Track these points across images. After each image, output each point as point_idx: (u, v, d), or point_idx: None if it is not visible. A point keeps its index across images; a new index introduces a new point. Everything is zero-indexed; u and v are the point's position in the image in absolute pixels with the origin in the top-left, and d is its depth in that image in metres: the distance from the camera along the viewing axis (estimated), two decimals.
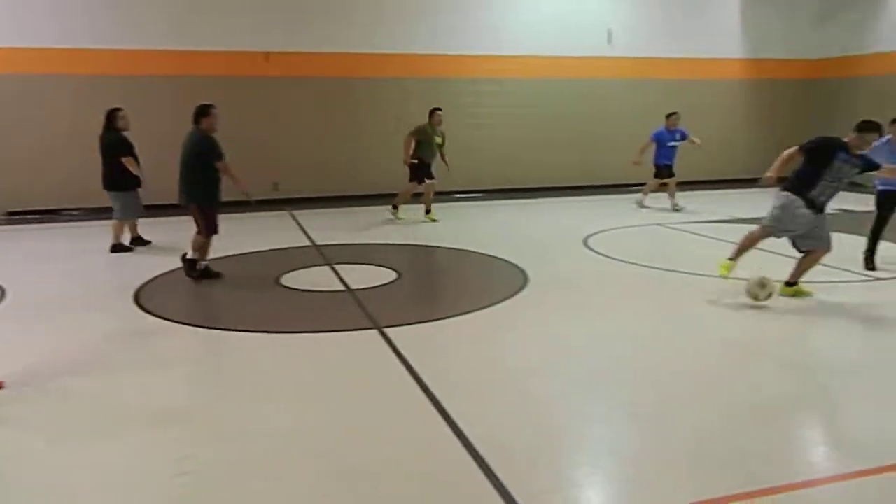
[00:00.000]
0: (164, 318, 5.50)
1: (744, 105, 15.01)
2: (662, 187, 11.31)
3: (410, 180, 10.19)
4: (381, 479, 3.06)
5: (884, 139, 6.70)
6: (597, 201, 12.40)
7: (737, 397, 3.93)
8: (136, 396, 4.01)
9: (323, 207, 11.57)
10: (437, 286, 6.85)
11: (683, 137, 11.18)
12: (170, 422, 3.65)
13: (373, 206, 11.69)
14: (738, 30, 14.68)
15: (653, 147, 11.21)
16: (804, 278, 5.93)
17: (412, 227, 9.88)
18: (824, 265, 6.25)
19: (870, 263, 6.88)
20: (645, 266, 7.14)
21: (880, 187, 6.97)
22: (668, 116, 11.22)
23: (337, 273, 6.94)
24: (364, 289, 6.32)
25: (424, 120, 10.18)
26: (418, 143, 9.97)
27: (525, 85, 13.35)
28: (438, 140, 10.17)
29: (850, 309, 5.72)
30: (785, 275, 5.93)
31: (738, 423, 3.58)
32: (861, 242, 7.07)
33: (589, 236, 8.74)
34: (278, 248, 8.28)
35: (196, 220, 6.56)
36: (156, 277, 6.82)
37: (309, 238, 8.91)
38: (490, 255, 7.74)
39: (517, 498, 2.84)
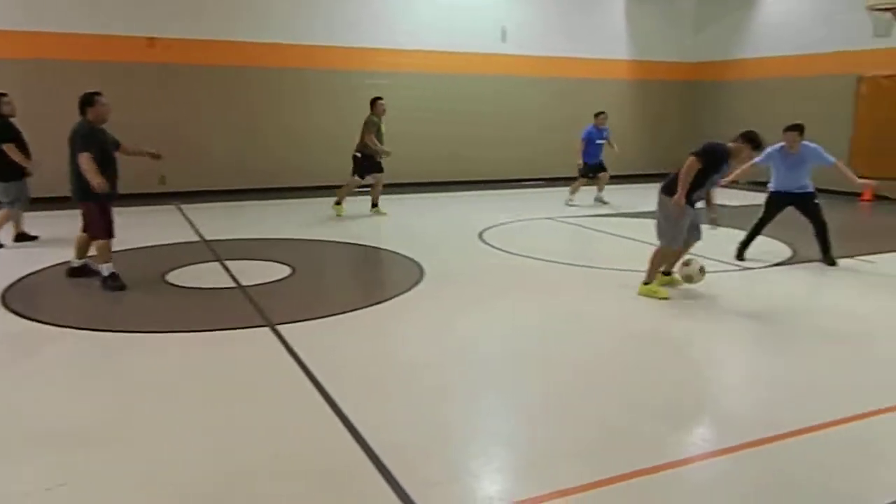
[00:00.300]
0: (37, 321, 5.11)
1: (632, 104, 15.70)
2: (592, 181, 11.52)
3: (354, 174, 9.90)
4: (271, 478, 2.97)
5: (777, 146, 7.19)
6: (490, 196, 12.62)
7: (625, 384, 4.10)
8: (7, 407, 3.71)
9: (215, 202, 11.14)
10: (333, 281, 6.75)
11: (606, 138, 11.46)
12: (46, 431, 3.39)
13: (270, 200, 11.40)
14: (624, 32, 15.34)
15: (583, 146, 11.35)
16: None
17: (308, 221, 9.69)
18: (702, 256, 6.64)
19: (741, 255, 7.36)
20: (536, 259, 7.34)
21: (773, 189, 7.40)
22: (596, 115, 11.43)
23: (227, 269, 6.70)
24: (256, 285, 6.13)
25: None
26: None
27: (421, 79, 13.38)
28: (383, 129, 9.94)
29: (729, 297, 6.08)
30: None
31: (627, 409, 3.73)
32: (731, 235, 7.56)
33: (484, 230, 8.88)
34: (164, 244, 7.89)
35: (84, 219, 6.04)
36: (25, 276, 6.33)
37: (198, 233, 8.55)
38: (386, 250, 7.72)
39: (410, 492, 2.84)
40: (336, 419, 3.51)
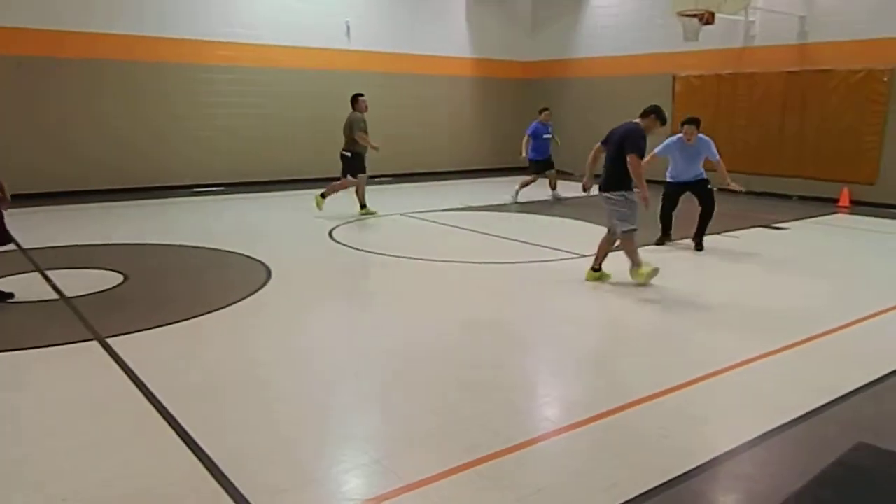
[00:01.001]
0: None
1: (471, 100, 16.20)
2: (543, 177, 11.58)
3: (346, 174, 9.62)
4: None
5: (675, 138, 7.72)
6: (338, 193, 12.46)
7: (467, 372, 4.21)
8: None
9: (34, 206, 10.11)
10: (171, 287, 6.32)
11: (551, 133, 11.57)
12: None
13: (97, 203, 10.55)
14: (465, 31, 15.77)
15: (530, 142, 11.38)
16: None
17: (144, 224, 9.07)
18: (548, 247, 6.99)
19: (666, 240, 8.02)
20: (386, 255, 7.37)
21: (671, 178, 8.01)
22: (541, 111, 11.50)
23: (49, 280, 6.12)
24: (83, 296, 5.66)
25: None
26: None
27: (263, 74, 12.97)
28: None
29: (563, 282, 6.44)
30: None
31: (470, 397, 3.84)
32: (573, 226, 8.02)
33: (333, 228, 8.78)
34: None
35: None
36: None
37: (14, 241, 7.70)
38: (229, 251, 7.40)
39: (255, 503, 2.75)
40: (173, 434, 3.32)
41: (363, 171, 9.79)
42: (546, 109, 11.71)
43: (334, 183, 9.87)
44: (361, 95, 9.74)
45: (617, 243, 6.31)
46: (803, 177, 12.21)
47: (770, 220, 9.81)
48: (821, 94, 11.87)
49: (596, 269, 6.37)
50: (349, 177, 9.75)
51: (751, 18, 12.49)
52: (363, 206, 9.94)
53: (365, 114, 9.69)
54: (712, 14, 11.34)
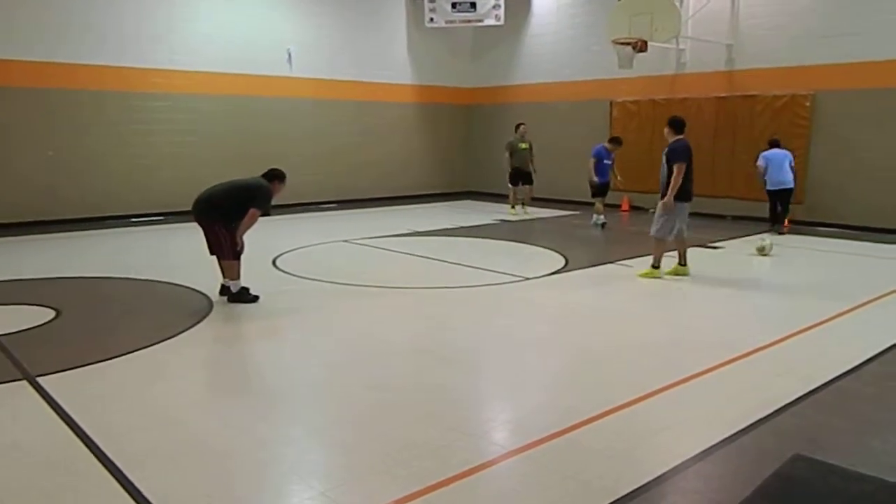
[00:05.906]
0: None
1: (416, 126, 16.31)
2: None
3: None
4: None
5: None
6: (282, 221, 12.31)
7: (417, 398, 4.19)
8: None
9: None
10: (108, 322, 6.07)
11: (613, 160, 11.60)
12: None
13: (30, 235, 10.12)
14: (407, 58, 15.91)
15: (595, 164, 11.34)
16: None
17: (79, 257, 8.75)
18: (494, 271, 7.01)
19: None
20: (330, 282, 7.30)
21: (769, 188, 10.69)
22: (610, 140, 11.54)
23: None
24: (11, 333, 5.40)
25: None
26: None
27: (205, 101, 12.79)
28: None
29: (511, 306, 6.50)
30: None
31: (419, 422, 3.81)
32: (518, 249, 8.10)
33: (277, 256, 8.65)
34: None
35: None
36: None
37: None
38: (171, 283, 7.20)
39: None
40: (110, 477, 3.17)
41: (513, 183, 13.17)
42: (614, 142, 11.56)
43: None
44: (522, 124, 13.05)
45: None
46: (735, 197, 12.68)
47: (705, 240, 10.12)
48: (749, 118, 12.42)
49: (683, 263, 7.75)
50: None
51: (681, 47, 13.01)
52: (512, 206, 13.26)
53: (517, 138, 13.03)
54: (645, 42, 11.75)
